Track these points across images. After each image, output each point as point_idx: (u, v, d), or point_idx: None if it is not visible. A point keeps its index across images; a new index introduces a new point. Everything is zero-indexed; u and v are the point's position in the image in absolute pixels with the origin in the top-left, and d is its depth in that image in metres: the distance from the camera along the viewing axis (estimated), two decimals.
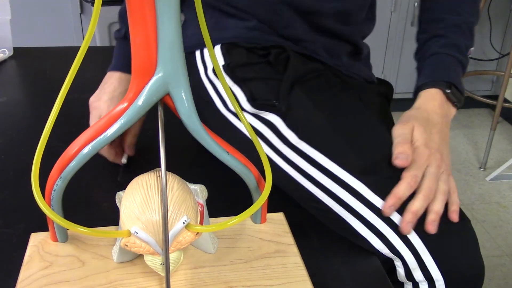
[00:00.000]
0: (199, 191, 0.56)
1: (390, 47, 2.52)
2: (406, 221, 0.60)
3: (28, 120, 0.98)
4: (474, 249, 0.62)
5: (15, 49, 1.31)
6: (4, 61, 1.26)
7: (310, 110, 0.70)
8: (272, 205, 0.61)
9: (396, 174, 0.63)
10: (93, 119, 0.78)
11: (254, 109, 0.72)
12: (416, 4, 2.42)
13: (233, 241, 0.58)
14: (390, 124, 0.80)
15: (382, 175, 0.64)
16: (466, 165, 2.27)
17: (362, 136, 0.69)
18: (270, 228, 0.61)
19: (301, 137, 0.68)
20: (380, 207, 0.62)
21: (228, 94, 0.53)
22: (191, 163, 0.83)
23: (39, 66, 1.27)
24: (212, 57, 0.51)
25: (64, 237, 0.56)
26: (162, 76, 0.46)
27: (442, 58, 0.77)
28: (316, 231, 0.68)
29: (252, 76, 0.75)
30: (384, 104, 0.87)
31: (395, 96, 0.94)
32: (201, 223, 0.53)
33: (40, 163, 0.48)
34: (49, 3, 2.04)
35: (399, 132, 0.68)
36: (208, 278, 0.53)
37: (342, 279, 0.60)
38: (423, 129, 0.67)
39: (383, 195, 0.62)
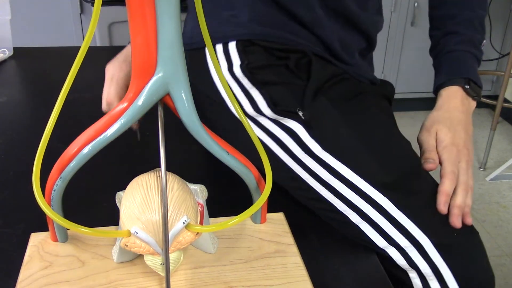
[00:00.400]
0: (199, 191, 0.56)
1: (390, 47, 2.52)
2: (455, 215, 0.63)
3: (28, 120, 0.98)
4: (485, 260, 0.65)
5: (15, 49, 1.31)
6: (4, 61, 1.26)
7: (336, 121, 0.69)
8: (272, 205, 0.61)
9: (418, 189, 0.65)
10: (106, 83, 0.75)
11: (275, 115, 0.70)
12: (416, 4, 2.42)
13: (233, 241, 0.58)
14: (395, 126, 0.80)
15: (405, 190, 0.64)
16: None
17: (387, 149, 0.69)
18: (270, 228, 0.61)
19: (325, 148, 0.66)
20: (400, 221, 0.62)
21: (229, 96, 0.53)
22: (191, 163, 0.83)
23: (39, 66, 1.27)
24: (213, 59, 0.51)
25: (64, 237, 0.56)
26: (162, 76, 0.46)
27: (458, 55, 0.80)
28: (316, 231, 0.68)
29: (273, 79, 0.72)
30: (388, 106, 0.87)
31: (395, 96, 0.94)
32: (201, 223, 0.53)
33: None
34: (49, 3, 2.04)
35: (423, 139, 0.73)
36: (208, 278, 0.53)
37: (342, 279, 0.60)
38: (447, 129, 0.72)
39: (405, 209, 0.63)
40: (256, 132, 0.72)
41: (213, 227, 0.51)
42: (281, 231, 0.61)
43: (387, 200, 0.63)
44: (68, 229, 0.52)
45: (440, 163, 0.70)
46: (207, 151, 0.52)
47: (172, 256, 0.49)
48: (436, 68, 0.83)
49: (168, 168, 0.47)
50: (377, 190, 0.63)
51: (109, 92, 0.74)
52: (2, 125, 0.94)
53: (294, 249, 0.58)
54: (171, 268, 0.49)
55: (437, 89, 0.80)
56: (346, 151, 0.66)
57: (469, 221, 0.64)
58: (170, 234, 0.46)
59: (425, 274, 0.62)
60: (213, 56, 0.51)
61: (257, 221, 0.62)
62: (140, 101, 0.47)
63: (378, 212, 0.63)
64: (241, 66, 0.73)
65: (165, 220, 0.46)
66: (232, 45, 0.75)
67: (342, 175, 0.65)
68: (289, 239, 0.59)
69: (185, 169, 0.78)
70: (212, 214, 0.59)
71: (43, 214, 0.49)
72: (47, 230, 0.56)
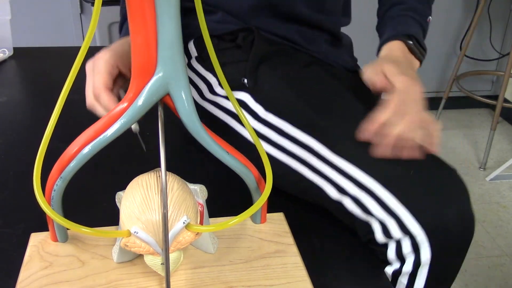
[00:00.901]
0: (199, 191, 0.56)
1: None
2: (380, 143, 0.59)
3: (28, 120, 0.98)
4: (459, 200, 0.59)
5: (15, 49, 1.31)
6: (4, 61, 1.26)
7: (275, 82, 0.72)
8: (272, 205, 0.61)
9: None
10: (87, 77, 0.69)
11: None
12: None
13: (233, 241, 0.58)
14: (365, 101, 0.79)
15: (348, 139, 0.63)
16: (466, 165, 2.27)
17: (326, 102, 0.70)
18: (270, 228, 0.61)
19: (268, 109, 0.69)
20: (348, 171, 0.62)
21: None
22: (191, 163, 0.83)
23: (39, 66, 1.27)
24: (212, 56, 0.51)
25: (64, 237, 0.56)
26: (162, 76, 0.46)
27: (401, 18, 0.80)
28: (316, 231, 0.68)
29: (224, 61, 0.76)
30: (371, 95, 0.86)
31: None
32: (201, 223, 0.53)
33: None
34: (49, 3, 2.04)
35: (370, 69, 0.68)
36: (208, 278, 0.53)
37: (342, 279, 0.60)
38: (392, 64, 0.67)
39: (350, 159, 0.62)
40: (214, 111, 0.76)
41: (213, 227, 0.51)
42: (281, 231, 0.61)
43: (328, 150, 0.63)
44: (68, 229, 0.52)
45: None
46: (207, 151, 0.52)
47: (172, 256, 0.49)
48: (380, 35, 0.82)
49: (168, 168, 0.47)
50: (319, 141, 0.64)
51: (93, 83, 0.68)
52: (2, 125, 0.94)
53: (294, 249, 0.58)
54: (171, 268, 0.49)
55: (379, 48, 0.78)
56: (285, 108, 0.69)
57: (433, 150, 0.59)
58: (170, 234, 0.46)
59: (384, 221, 0.59)
60: (212, 54, 0.51)
61: (257, 221, 0.62)
62: (140, 101, 0.47)
63: (321, 161, 0.64)
64: (196, 57, 0.81)
65: (165, 220, 0.46)
66: (190, 44, 0.84)
67: (284, 132, 0.67)
68: (289, 239, 0.59)
69: (185, 169, 0.78)
70: (212, 214, 0.59)
71: (43, 214, 0.49)
72: (47, 230, 0.56)
